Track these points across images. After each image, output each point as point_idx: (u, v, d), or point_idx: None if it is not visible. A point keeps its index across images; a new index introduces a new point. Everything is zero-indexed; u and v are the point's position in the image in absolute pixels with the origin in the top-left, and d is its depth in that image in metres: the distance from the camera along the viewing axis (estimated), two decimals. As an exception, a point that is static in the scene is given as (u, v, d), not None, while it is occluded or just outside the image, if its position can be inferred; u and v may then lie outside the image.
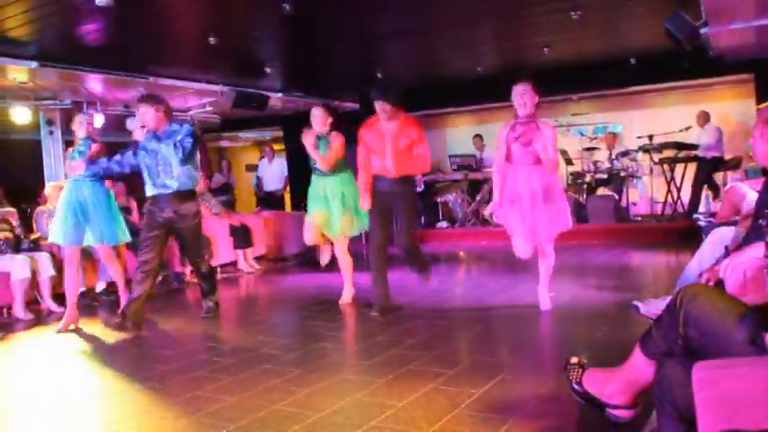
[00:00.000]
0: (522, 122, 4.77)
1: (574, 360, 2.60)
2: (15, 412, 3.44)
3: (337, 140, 5.52)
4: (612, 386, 2.40)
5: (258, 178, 11.70)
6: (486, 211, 5.31)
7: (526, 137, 4.69)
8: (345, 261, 5.80)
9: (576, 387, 2.53)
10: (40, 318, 6.05)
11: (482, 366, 3.59)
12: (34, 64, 6.75)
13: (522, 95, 4.71)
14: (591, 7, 6.70)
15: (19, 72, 6.96)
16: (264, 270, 8.65)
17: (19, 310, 5.98)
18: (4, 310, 6.06)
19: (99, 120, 8.64)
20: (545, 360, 3.92)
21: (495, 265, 8.13)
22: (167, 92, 9.08)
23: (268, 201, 11.26)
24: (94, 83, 8.07)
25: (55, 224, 5.55)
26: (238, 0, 5.99)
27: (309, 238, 5.76)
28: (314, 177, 5.72)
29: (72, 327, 5.38)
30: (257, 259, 8.84)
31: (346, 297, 5.78)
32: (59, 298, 6.11)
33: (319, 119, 5.51)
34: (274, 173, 11.53)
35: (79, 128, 5.63)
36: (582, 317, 4.83)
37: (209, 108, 10.21)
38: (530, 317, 4.94)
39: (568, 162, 11.37)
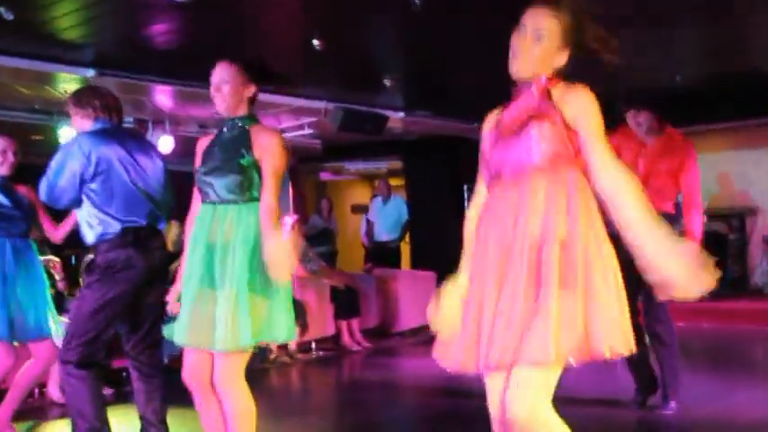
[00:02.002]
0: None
1: None
2: None
3: (277, 143, 3.57)
4: None
5: (369, 223, 11.61)
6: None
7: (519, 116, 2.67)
8: (237, 408, 3.47)
9: None
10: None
11: None
12: (91, 72, 6.98)
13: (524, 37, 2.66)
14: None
15: (72, 82, 7.16)
16: (375, 349, 8.56)
17: (54, 390, 6.16)
18: (36, 390, 6.18)
19: (167, 143, 8.79)
20: None
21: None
22: (257, 109, 9.21)
23: (380, 254, 11.13)
24: (163, 96, 8.35)
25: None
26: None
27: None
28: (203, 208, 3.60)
29: None
30: (365, 333, 8.76)
31: None
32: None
33: (228, 89, 3.56)
34: (390, 217, 11.40)
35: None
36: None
37: (308, 130, 10.32)
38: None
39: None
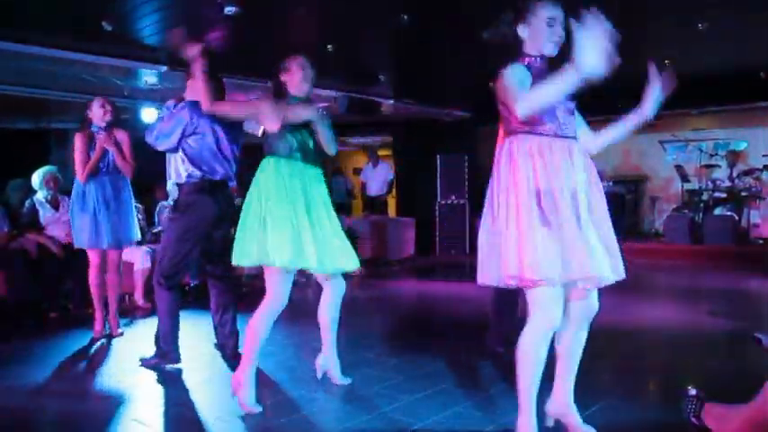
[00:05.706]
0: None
1: (693, 392, 2.44)
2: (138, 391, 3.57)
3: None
4: (735, 424, 2.23)
5: (363, 183, 11.77)
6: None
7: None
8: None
9: (694, 421, 2.38)
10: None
11: (585, 389, 3.44)
12: (164, 68, 7.10)
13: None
14: (719, 18, 6.34)
15: (151, 75, 7.33)
16: (368, 274, 8.65)
17: (139, 298, 6.35)
18: (126, 297, 6.35)
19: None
20: (653, 388, 3.72)
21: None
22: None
23: (373, 205, 11.31)
24: (216, 84, 8.38)
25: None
26: (358, 11, 6.08)
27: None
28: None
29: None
30: (362, 262, 8.70)
31: None
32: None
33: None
34: (378, 177, 11.49)
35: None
36: (695, 345, 4.58)
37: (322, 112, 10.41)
38: (636, 339, 4.72)
39: (684, 179, 10.84)
